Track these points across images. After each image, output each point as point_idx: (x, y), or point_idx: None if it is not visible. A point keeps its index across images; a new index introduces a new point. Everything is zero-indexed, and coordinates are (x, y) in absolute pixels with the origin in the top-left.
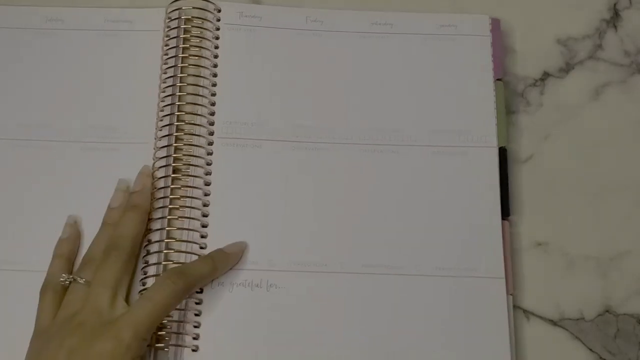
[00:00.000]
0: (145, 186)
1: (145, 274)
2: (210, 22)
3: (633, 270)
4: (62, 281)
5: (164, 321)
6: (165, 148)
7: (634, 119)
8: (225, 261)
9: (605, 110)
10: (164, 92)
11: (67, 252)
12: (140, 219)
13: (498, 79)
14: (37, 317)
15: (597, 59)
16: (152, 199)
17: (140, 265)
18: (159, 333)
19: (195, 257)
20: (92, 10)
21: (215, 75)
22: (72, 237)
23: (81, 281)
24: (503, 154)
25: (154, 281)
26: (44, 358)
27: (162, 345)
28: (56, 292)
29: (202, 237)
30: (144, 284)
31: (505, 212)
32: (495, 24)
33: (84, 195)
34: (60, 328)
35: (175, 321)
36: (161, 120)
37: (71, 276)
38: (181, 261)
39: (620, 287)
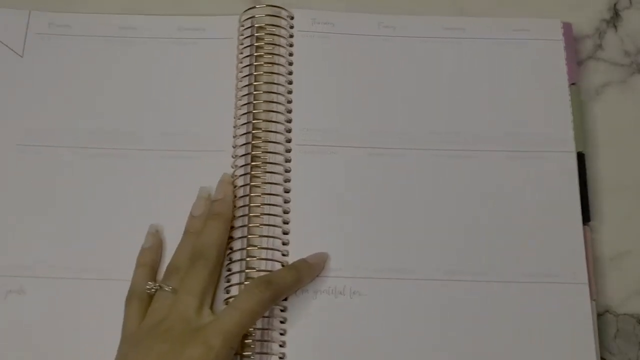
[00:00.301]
0: (226, 194)
1: (229, 282)
2: (284, 29)
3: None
4: (148, 289)
5: (249, 329)
6: (244, 156)
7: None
8: (309, 271)
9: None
10: (240, 100)
11: (150, 261)
12: (224, 227)
13: (572, 84)
14: (123, 324)
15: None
16: (233, 207)
17: (224, 273)
18: (245, 341)
19: (277, 265)
20: (165, 18)
21: (290, 82)
22: (154, 246)
23: (167, 289)
24: (581, 158)
25: (237, 289)
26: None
27: (249, 353)
28: (142, 300)
29: (284, 244)
30: (227, 292)
31: (586, 217)
32: (567, 28)
33: (165, 203)
34: (148, 334)
35: (261, 329)
36: (238, 128)
37: (157, 284)
38: (262, 268)
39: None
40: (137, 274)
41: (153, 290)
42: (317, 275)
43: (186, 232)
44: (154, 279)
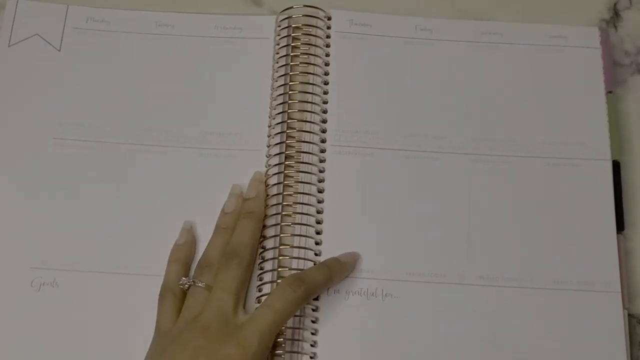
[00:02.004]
0: (259, 192)
1: (261, 280)
2: (321, 29)
3: None
4: (181, 285)
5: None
6: (278, 156)
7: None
8: (340, 270)
9: None
10: (275, 99)
11: (183, 257)
12: (256, 225)
13: (609, 92)
14: (158, 320)
15: None
16: (265, 206)
17: (256, 272)
18: (277, 339)
19: (309, 264)
20: (201, 17)
21: (326, 83)
22: (188, 242)
23: (201, 285)
24: (617, 167)
25: (270, 287)
26: (169, 356)
27: (280, 351)
28: (175, 295)
29: (316, 243)
30: (260, 290)
31: (620, 225)
32: (605, 36)
33: (200, 201)
34: (184, 329)
35: (292, 328)
36: (273, 128)
37: (191, 279)
38: (294, 267)
39: None
40: (170, 269)
41: (186, 285)
42: (348, 275)
43: (217, 229)
44: (187, 275)
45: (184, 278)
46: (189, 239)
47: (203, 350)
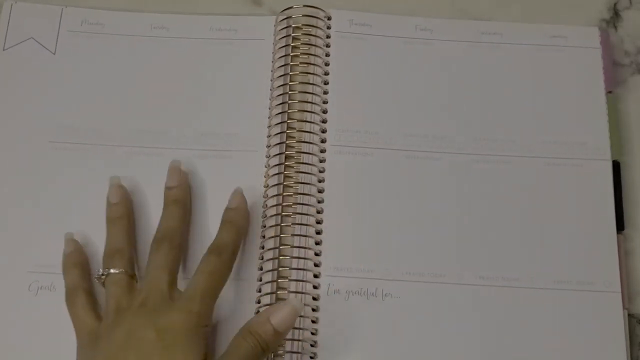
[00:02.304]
0: (181, 181)
1: (260, 280)
2: (321, 29)
3: None
4: (98, 277)
5: None
6: (277, 156)
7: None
8: (241, 215)
9: None
10: (274, 100)
11: (79, 262)
12: (183, 212)
13: (609, 92)
14: (76, 323)
15: None
16: (265, 207)
17: (256, 272)
18: None
19: (309, 264)
20: (197, 18)
21: (326, 82)
22: (78, 249)
23: (118, 271)
24: (617, 167)
25: (270, 288)
26: (108, 343)
27: (280, 352)
28: (88, 294)
29: (317, 243)
30: (259, 291)
31: (620, 225)
32: (605, 36)
33: (200, 201)
34: (118, 315)
35: (292, 327)
36: (272, 128)
37: (105, 270)
38: (293, 267)
39: None
40: (70, 274)
41: (104, 276)
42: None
43: (112, 219)
44: (89, 279)
45: (100, 269)
46: (77, 247)
47: (145, 324)
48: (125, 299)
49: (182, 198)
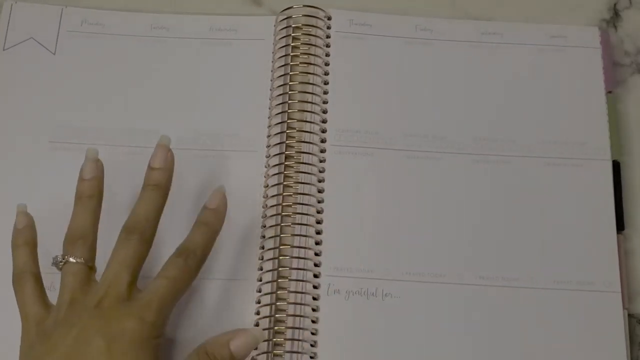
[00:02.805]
0: (167, 163)
1: (260, 280)
2: (321, 29)
3: None
4: (54, 263)
5: (280, 327)
6: (278, 156)
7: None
8: (217, 217)
9: None
10: (274, 100)
11: (30, 240)
12: (162, 200)
13: (609, 92)
14: (23, 309)
15: None
16: (265, 207)
17: (256, 272)
18: (276, 339)
19: (309, 264)
20: (197, 18)
21: (326, 82)
22: (29, 226)
23: (78, 260)
24: (617, 167)
25: (270, 288)
26: (56, 342)
27: (280, 351)
28: (36, 278)
29: (317, 243)
30: (259, 291)
31: (620, 225)
32: (605, 36)
33: (199, 202)
34: (71, 310)
35: (292, 327)
36: (272, 128)
37: (64, 256)
38: (293, 267)
39: None
40: (20, 253)
41: (61, 263)
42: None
43: (80, 198)
44: (37, 260)
45: (57, 255)
46: (29, 222)
47: (97, 328)
48: (81, 293)
49: (165, 183)
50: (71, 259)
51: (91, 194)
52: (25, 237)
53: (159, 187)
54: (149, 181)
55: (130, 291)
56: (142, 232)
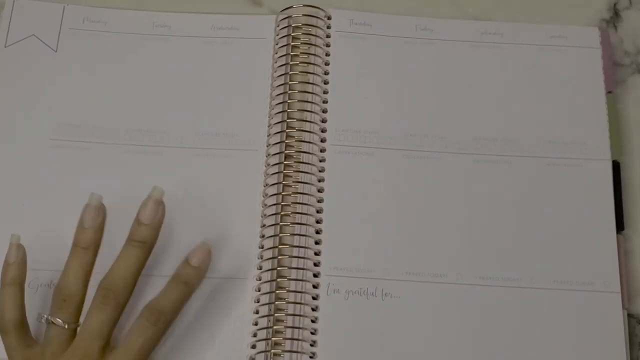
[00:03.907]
0: (157, 219)
1: (260, 280)
2: (321, 29)
3: None
4: (39, 320)
5: (280, 327)
6: (278, 155)
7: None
8: (197, 276)
9: None
10: (274, 99)
11: (18, 278)
12: (145, 258)
13: (609, 92)
14: (9, 354)
15: None
16: (264, 206)
17: (255, 272)
18: (275, 339)
19: (309, 264)
20: (198, 17)
21: (326, 82)
22: (20, 261)
23: (60, 324)
24: (617, 167)
25: (269, 287)
26: None
27: (279, 351)
28: (20, 329)
29: (317, 243)
30: (259, 290)
31: (620, 226)
32: (605, 36)
33: (198, 202)
34: None
35: (292, 327)
36: (272, 128)
37: (47, 317)
38: (293, 267)
39: None
40: (7, 296)
41: (43, 322)
42: (205, 277)
43: (75, 248)
44: (23, 300)
45: (41, 315)
46: (20, 256)
47: None
48: (57, 355)
49: (150, 241)
50: (57, 321)
51: (87, 246)
52: (14, 275)
53: (144, 244)
54: (134, 236)
55: (102, 355)
56: (117, 297)
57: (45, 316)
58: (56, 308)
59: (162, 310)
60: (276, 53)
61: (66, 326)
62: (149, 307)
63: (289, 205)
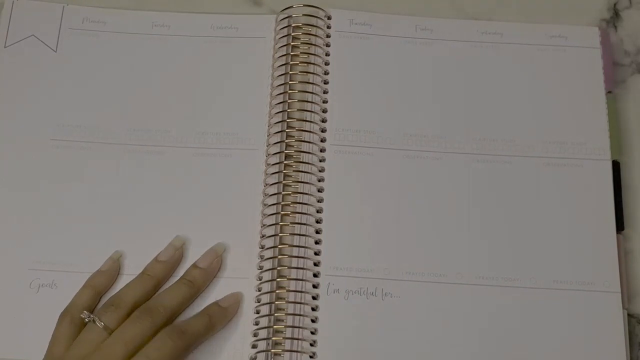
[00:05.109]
0: (211, 265)
1: (260, 280)
2: (321, 29)
3: None
4: (82, 316)
5: (280, 327)
6: (278, 155)
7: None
8: (222, 316)
9: None
10: (274, 99)
11: (99, 285)
12: (191, 296)
13: (609, 92)
14: (51, 342)
15: None
16: (264, 206)
17: (255, 272)
18: (275, 339)
19: (309, 263)
20: (198, 17)
21: (326, 82)
22: (109, 272)
23: (100, 325)
24: (617, 167)
25: (268, 287)
26: None
27: (279, 350)
28: (74, 323)
29: (317, 243)
30: (259, 290)
31: (620, 225)
32: (605, 36)
33: (199, 201)
34: None
35: (292, 326)
36: (272, 127)
37: (92, 316)
38: (293, 266)
39: None
40: (81, 294)
41: (86, 320)
42: (231, 320)
43: (143, 274)
44: (96, 303)
45: (85, 312)
46: (111, 269)
47: None
48: (86, 354)
49: (200, 284)
50: (100, 321)
51: (153, 275)
52: (96, 281)
53: (193, 285)
54: (187, 276)
55: None
56: (154, 317)
57: (89, 315)
58: (102, 310)
59: (161, 307)
60: (276, 53)
61: (104, 329)
62: (173, 325)
63: (289, 205)
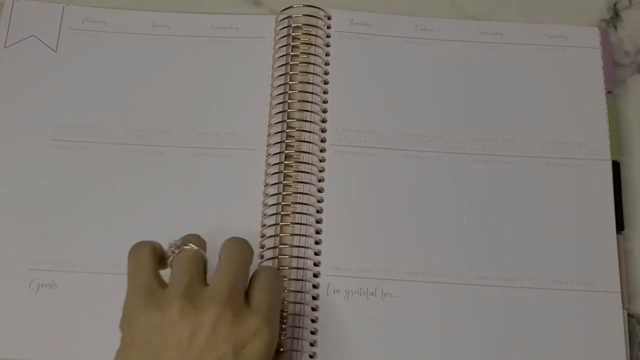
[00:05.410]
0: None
1: None
2: (321, 29)
3: None
4: (171, 249)
5: (280, 326)
6: (278, 155)
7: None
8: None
9: None
10: (274, 99)
11: (195, 241)
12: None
13: (609, 92)
14: (136, 275)
15: None
16: (264, 206)
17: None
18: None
19: (309, 263)
20: (198, 17)
21: (326, 82)
22: (200, 242)
23: (192, 248)
24: (616, 167)
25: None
26: (190, 322)
27: (280, 351)
28: (156, 253)
29: (317, 243)
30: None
31: (620, 226)
32: (605, 36)
33: (198, 201)
34: (196, 294)
35: (292, 326)
36: (272, 127)
37: (177, 242)
38: (293, 266)
39: None
40: (142, 245)
41: (177, 251)
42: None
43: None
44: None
45: (171, 244)
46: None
47: (227, 319)
48: (199, 281)
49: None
50: (186, 247)
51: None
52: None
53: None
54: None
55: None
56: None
57: (175, 241)
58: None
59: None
60: (276, 53)
61: (198, 250)
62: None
63: (289, 205)
